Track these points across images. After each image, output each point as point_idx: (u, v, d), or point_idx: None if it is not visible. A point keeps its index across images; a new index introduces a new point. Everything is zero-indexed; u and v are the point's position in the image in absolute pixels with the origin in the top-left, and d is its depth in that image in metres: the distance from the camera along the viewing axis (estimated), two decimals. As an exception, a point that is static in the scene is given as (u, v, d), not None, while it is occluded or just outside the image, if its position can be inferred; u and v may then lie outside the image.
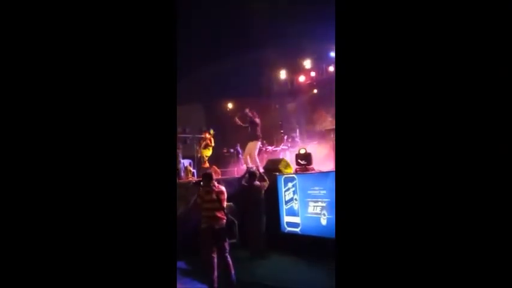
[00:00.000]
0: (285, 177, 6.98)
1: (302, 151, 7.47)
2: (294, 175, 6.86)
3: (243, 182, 6.59)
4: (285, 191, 6.90)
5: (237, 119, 8.89)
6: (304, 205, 6.38)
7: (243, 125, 8.77)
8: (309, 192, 6.29)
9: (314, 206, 6.16)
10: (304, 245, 6.27)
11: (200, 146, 10.86)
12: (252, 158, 8.40)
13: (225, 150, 12.46)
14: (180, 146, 10.41)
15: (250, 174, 6.49)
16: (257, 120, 8.43)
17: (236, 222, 5.25)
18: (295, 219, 6.64)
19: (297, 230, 6.58)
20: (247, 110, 8.76)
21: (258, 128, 8.41)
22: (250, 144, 8.51)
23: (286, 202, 6.87)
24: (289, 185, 6.79)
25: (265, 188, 6.50)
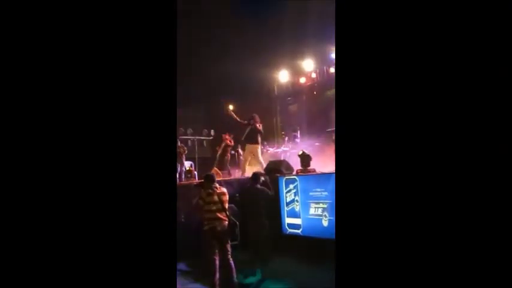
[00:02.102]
0: (286, 178, 6.97)
1: (300, 153, 7.50)
2: (295, 176, 6.85)
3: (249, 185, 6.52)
4: (286, 193, 6.90)
5: (231, 112, 9.11)
6: (306, 207, 6.37)
7: (238, 119, 8.99)
8: (311, 193, 6.27)
9: (315, 208, 6.15)
10: (306, 246, 6.25)
11: (221, 151, 10.73)
12: (257, 160, 8.68)
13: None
14: (185, 148, 10.39)
15: (254, 177, 6.43)
16: (260, 126, 8.73)
17: (238, 223, 5.26)
18: (297, 221, 6.64)
19: (299, 231, 6.57)
20: (255, 115, 8.96)
21: (260, 134, 8.74)
22: (252, 147, 8.70)
23: (288, 204, 6.86)
24: (291, 186, 6.79)
25: (270, 195, 6.38)
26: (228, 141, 10.78)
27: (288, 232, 6.85)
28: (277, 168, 7.58)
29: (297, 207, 6.63)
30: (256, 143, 8.71)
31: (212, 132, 13.74)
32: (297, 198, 6.65)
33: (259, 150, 8.80)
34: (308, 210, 6.32)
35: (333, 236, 2.36)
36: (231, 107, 9.79)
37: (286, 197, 6.91)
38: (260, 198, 6.26)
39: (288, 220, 6.87)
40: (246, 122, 8.81)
